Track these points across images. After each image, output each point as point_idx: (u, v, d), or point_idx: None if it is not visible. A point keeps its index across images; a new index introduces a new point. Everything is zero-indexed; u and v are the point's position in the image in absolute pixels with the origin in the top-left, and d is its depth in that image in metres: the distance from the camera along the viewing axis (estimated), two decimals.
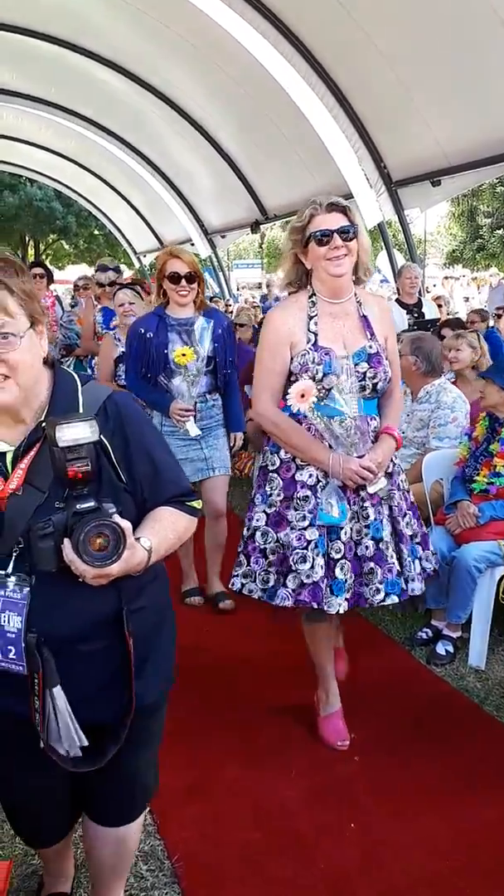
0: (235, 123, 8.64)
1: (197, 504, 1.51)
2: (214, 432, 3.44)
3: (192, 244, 12.04)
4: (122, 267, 6.68)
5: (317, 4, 5.63)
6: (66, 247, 28.78)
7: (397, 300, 6.12)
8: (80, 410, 1.35)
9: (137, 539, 1.33)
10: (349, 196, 7.05)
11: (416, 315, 5.72)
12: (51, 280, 6.77)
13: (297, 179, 8.25)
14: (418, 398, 3.70)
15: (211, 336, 3.23)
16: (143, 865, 2.00)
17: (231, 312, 8.97)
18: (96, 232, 25.72)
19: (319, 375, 2.27)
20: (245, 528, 2.44)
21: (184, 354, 3.14)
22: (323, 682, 2.59)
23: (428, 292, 10.09)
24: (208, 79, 8.10)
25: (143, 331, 3.27)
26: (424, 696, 2.82)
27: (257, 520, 2.40)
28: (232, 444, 3.54)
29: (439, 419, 3.55)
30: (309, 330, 2.34)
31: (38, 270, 6.49)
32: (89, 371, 5.45)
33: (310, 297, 2.37)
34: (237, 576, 2.43)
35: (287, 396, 2.28)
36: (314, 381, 2.27)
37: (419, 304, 5.87)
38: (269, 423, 2.39)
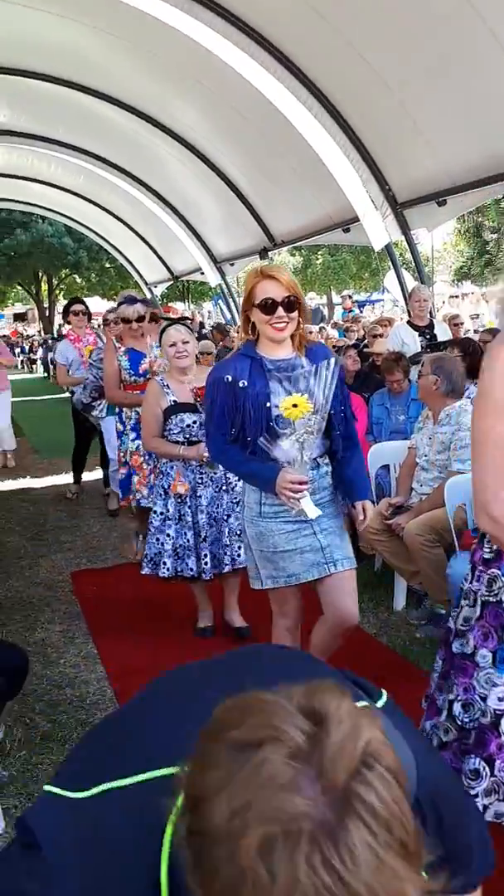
0: (240, 153, 8.72)
1: None
2: (329, 509, 2.54)
3: (202, 273, 12.13)
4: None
5: (316, 34, 5.68)
6: (79, 280, 29.18)
7: (408, 322, 6.08)
8: None
9: None
10: (356, 220, 7.07)
11: (428, 337, 5.68)
12: (90, 317, 6.45)
13: (304, 205, 8.29)
14: (439, 420, 3.65)
15: (323, 381, 2.35)
16: None
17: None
18: (107, 265, 26.06)
19: None
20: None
21: (295, 405, 2.31)
22: None
23: (437, 311, 10.06)
24: (212, 110, 8.19)
25: (230, 378, 2.43)
26: None
27: None
28: (362, 517, 2.58)
29: (461, 441, 3.48)
30: None
31: (80, 307, 6.26)
32: (119, 419, 4.60)
33: None
34: None
35: None
36: None
37: (431, 326, 5.82)
38: None
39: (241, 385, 2.42)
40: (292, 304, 2.38)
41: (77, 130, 10.44)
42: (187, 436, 3.42)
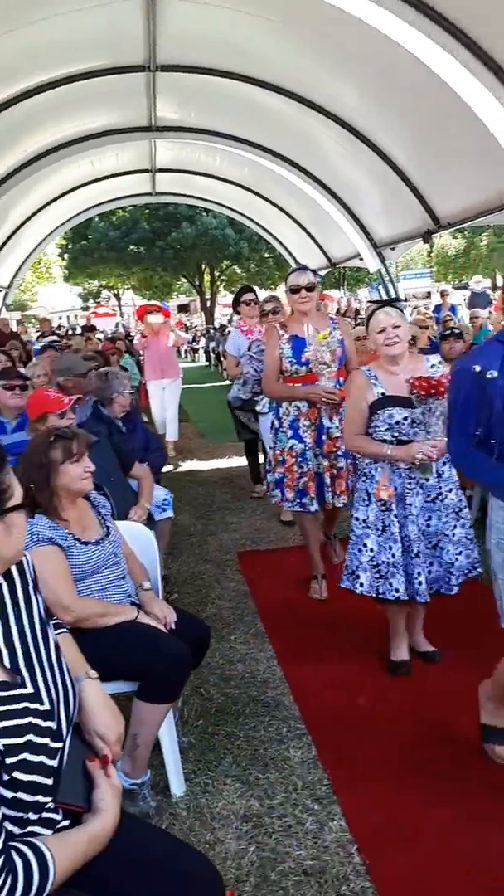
0: (402, 130, 8.47)
1: None
2: None
3: (361, 259, 11.96)
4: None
5: (493, 4, 5.38)
6: (239, 271, 29.85)
7: None
8: None
9: None
10: None
11: None
12: None
13: (472, 184, 7.90)
14: None
15: None
16: None
17: None
18: (266, 255, 26.44)
19: None
20: None
21: None
22: None
23: None
24: (373, 86, 7.99)
25: (478, 368, 2.15)
26: None
27: None
28: None
29: None
30: None
31: (250, 296, 5.95)
32: (276, 415, 4.09)
33: None
34: None
35: None
36: None
37: None
38: None
39: (489, 376, 2.08)
40: None
41: (241, 121, 10.63)
42: (395, 434, 3.00)
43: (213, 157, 12.41)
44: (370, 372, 3.10)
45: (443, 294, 12.43)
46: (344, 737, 2.79)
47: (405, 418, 2.98)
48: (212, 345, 23.23)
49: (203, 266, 30.78)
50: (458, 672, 2.89)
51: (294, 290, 3.91)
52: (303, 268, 4.04)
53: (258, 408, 5.36)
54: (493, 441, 2.06)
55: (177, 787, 2.52)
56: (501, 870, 2.07)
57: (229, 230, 25.16)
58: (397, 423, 2.99)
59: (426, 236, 9.61)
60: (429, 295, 19.42)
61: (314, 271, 4.07)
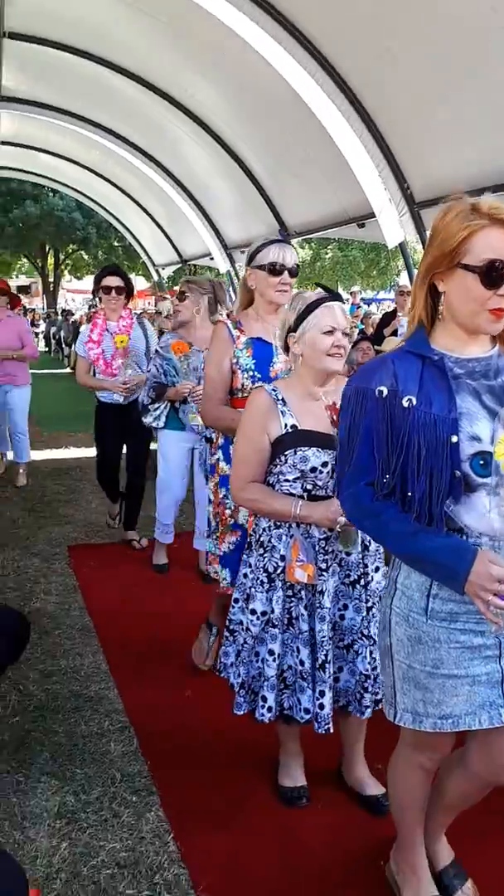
0: (259, 139, 8.69)
1: None
2: None
3: (212, 258, 12.09)
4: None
5: (345, 25, 5.66)
6: (86, 257, 29.04)
7: None
8: None
9: None
10: (371, 215, 7.07)
11: None
12: (130, 295, 4.67)
13: (319, 197, 8.27)
14: None
15: None
16: (166, 895, 1.98)
17: None
18: (115, 244, 25.94)
19: None
20: None
21: None
22: None
23: None
24: (233, 93, 8.15)
25: (384, 391, 1.53)
26: None
27: None
28: None
29: None
30: None
31: (114, 280, 4.49)
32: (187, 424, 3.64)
33: None
34: None
35: None
36: None
37: None
38: None
39: (405, 403, 1.50)
40: None
41: (96, 104, 10.38)
42: (309, 486, 2.10)
43: (63, 136, 11.99)
44: (276, 393, 2.13)
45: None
46: (167, 729, 2.80)
47: (324, 464, 2.07)
48: (52, 329, 22.40)
49: (47, 247, 29.61)
50: None
51: (274, 270, 2.61)
52: (282, 240, 2.75)
53: (147, 419, 3.99)
54: (410, 494, 1.48)
55: None
56: (312, 851, 2.18)
57: (77, 214, 24.42)
58: (313, 469, 2.07)
59: None
60: None
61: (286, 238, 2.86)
